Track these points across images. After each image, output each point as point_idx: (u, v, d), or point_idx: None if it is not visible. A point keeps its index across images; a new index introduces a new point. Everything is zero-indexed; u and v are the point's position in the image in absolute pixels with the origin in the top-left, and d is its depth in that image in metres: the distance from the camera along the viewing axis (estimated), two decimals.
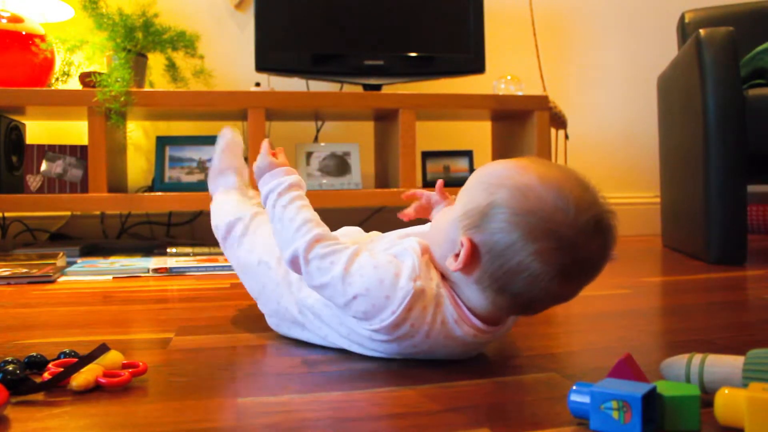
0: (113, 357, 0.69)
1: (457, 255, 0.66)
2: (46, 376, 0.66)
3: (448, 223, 0.70)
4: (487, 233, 0.64)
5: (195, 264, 1.59)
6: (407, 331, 0.69)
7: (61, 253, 1.71)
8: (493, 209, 0.64)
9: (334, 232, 1.02)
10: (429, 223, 0.82)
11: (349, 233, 0.96)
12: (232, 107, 1.90)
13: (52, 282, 1.44)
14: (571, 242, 0.62)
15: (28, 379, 0.64)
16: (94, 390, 0.65)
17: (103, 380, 0.65)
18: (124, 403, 0.62)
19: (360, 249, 0.72)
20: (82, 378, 0.64)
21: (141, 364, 0.70)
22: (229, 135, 1.09)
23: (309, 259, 0.71)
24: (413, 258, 0.70)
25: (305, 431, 0.55)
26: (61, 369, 0.66)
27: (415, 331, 0.69)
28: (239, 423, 0.57)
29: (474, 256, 0.65)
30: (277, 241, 0.77)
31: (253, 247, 0.92)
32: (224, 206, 1.02)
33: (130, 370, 0.68)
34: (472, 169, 2.22)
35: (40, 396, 0.64)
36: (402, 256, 0.71)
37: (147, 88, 1.99)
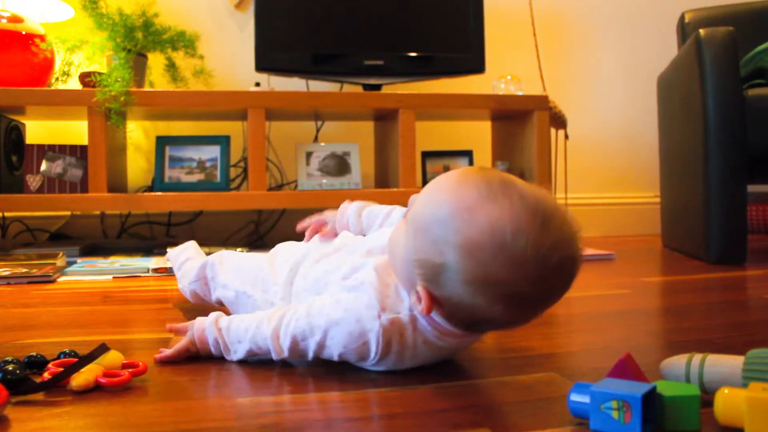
0: (113, 357, 0.69)
1: (419, 297, 0.64)
2: (46, 376, 0.66)
3: (402, 259, 0.67)
4: (445, 291, 0.62)
5: None
6: (396, 358, 0.68)
7: (61, 253, 1.71)
8: (445, 271, 0.61)
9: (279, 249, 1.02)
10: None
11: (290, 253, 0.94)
12: (232, 107, 1.90)
13: (52, 282, 1.44)
14: (534, 296, 0.60)
15: (28, 379, 0.64)
16: (94, 390, 0.65)
17: (103, 380, 0.65)
18: (124, 403, 0.62)
19: (312, 307, 0.70)
20: (81, 378, 0.64)
21: (141, 364, 0.70)
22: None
23: (285, 351, 0.71)
24: (369, 295, 0.68)
25: (304, 431, 0.55)
26: (61, 369, 0.66)
27: (403, 355, 0.69)
28: (239, 423, 0.57)
29: (435, 304, 0.63)
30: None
31: (226, 282, 0.95)
32: (185, 266, 1.08)
33: (130, 370, 0.68)
34: None
35: (40, 396, 0.64)
36: (358, 291, 0.69)
37: (147, 88, 1.99)
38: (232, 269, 0.95)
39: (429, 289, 0.63)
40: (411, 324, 0.67)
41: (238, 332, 0.74)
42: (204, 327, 0.77)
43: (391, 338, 0.66)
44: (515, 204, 0.59)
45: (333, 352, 0.69)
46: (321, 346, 0.69)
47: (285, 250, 0.94)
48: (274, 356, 0.72)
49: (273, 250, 0.98)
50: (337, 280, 0.75)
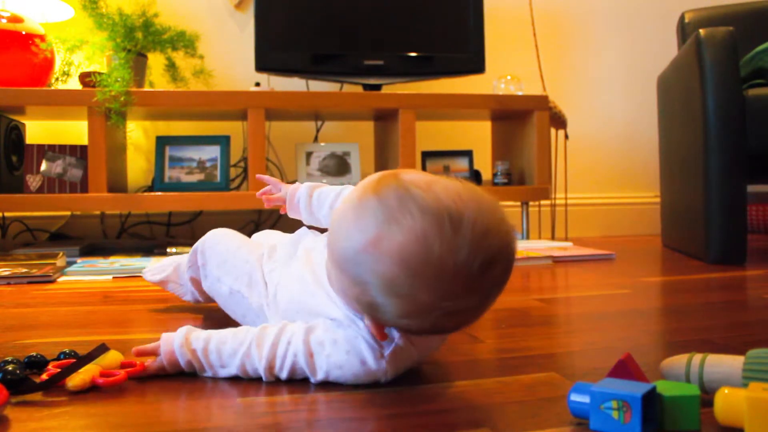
0: (112, 357, 0.69)
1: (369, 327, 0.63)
2: (44, 377, 0.66)
3: (339, 293, 0.66)
4: (389, 321, 0.61)
5: None
6: (400, 372, 0.67)
7: (61, 253, 1.71)
8: (378, 308, 0.59)
9: (262, 235, 1.04)
10: None
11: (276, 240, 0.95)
12: (232, 107, 1.90)
13: (52, 282, 1.44)
14: (474, 302, 0.58)
15: (27, 379, 0.64)
16: (93, 390, 0.65)
17: (99, 380, 0.65)
18: (123, 403, 0.62)
19: (309, 343, 0.66)
20: (78, 378, 0.64)
21: (138, 363, 0.69)
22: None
23: (282, 378, 0.67)
24: (363, 331, 0.65)
25: (304, 431, 0.55)
26: (60, 369, 0.66)
27: (405, 367, 0.68)
28: (239, 423, 0.57)
29: (386, 327, 0.63)
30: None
31: (219, 275, 0.89)
32: (175, 264, 1.07)
33: (126, 370, 0.68)
34: (471, 169, 2.22)
35: (39, 396, 0.63)
36: (349, 328, 0.66)
37: (147, 88, 1.99)
38: (220, 262, 0.89)
39: (374, 320, 0.61)
40: (407, 341, 0.65)
41: (222, 357, 0.68)
42: (172, 349, 0.68)
43: (396, 365, 0.66)
44: (416, 219, 0.55)
45: (338, 376, 0.66)
46: (325, 375, 0.65)
47: (266, 242, 0.93)
48: (265, 380, 0.67)
49: (256, 239, 1.00)
50: (318, 308, 0.71)
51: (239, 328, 0.70)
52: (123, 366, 0.70)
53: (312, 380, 0.66)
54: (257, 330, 0.68)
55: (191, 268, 0.97)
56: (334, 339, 0.65)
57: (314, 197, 0.88)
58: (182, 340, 0.69)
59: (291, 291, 0.77)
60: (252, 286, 0.85)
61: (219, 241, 0.93)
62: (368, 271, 0.57)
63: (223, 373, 0.68)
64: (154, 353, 0.70)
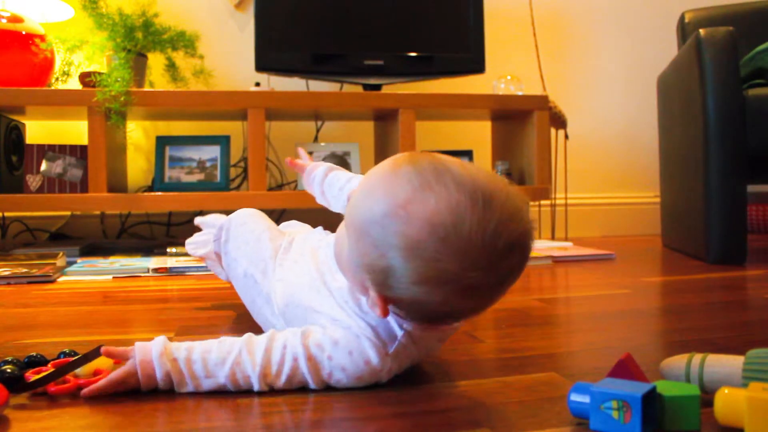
0: (104, 360, 0.68)
1: (374, 302, 0.62)
2: (32, 376, 0.65)
3: (348, 263, 0.65)
4: (397, 293, 0.59)
5: (195, 264, 1.59)
6: (400, 370, 0.68)
7: (61, 253, 1.71)
8: (393, 274, 0.58)
9: (283, 226, 1.05)
10: None
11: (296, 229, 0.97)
12: (232, 107, 1.90)
13: (52, 282, 1.44)
14: (488, 283, 0.58)
15: (22, 379, 0.64)
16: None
17: (52, 387, 0.63)
18: (123, 403, 0.62)
19: (308, 346, 0.64)
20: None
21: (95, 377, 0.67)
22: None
23: (278, 386, 0.65)
24: (366, 330, 0.65)
25: (305, 431, 0.55)
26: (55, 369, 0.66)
27: (408, 366, 0.68)
28: (239, 423, 0.57)
29: (391, 305, 0.62)
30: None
31: (237, 256, 0.89)
32: (208, 219, 1.07)
33: (84, 380, 0.65)
34: None
35: (39, 396, 0.63)
36: (350, 327, 0.65)
37: (147, 88, 1.99)
38: (242, 243, 0.89)
39: (381, 292, 0.60)
40: (409, 339, 0.65)
41: (207, 366, 0.63)
42: (150, 359, 0.63)
43: (399, 364, 0.66)
44: (451, 191, 0.56)
45: (338, 380, 0.65)
46: (326, 380, 0.65)
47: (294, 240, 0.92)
48: (257, 389, 0.64)
49: (285, 228, 1.02)
50: (317, 306, 0.71)
51: (223, 338, 0.66)
52: (96, 374, 0.67)
53: (312, 385, 0.64)
54: (244, 338, 0.66)
55: (216, 242, 0.95)
56: (334, 340, 0.64)
57: (328, 177, 0.92)
58: (161, 349, 0.63)
59: (292, 287, 0.77)
60: (266, 273, 0.84)
61: (245, 221, 0.92)
62: (394, 232, 0.57)
63: (208, 384, 0.63)
64: (123, 358, 0.65)
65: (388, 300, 0.61)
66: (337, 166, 0.94)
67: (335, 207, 0.92)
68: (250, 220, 0.92)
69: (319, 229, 0.92)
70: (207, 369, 0.64)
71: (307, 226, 1.04)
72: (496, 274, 0.58)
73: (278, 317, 0.80)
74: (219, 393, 0.64)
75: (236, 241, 0.90)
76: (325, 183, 0.92)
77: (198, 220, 1.10)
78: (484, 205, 0.56)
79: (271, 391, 0.64)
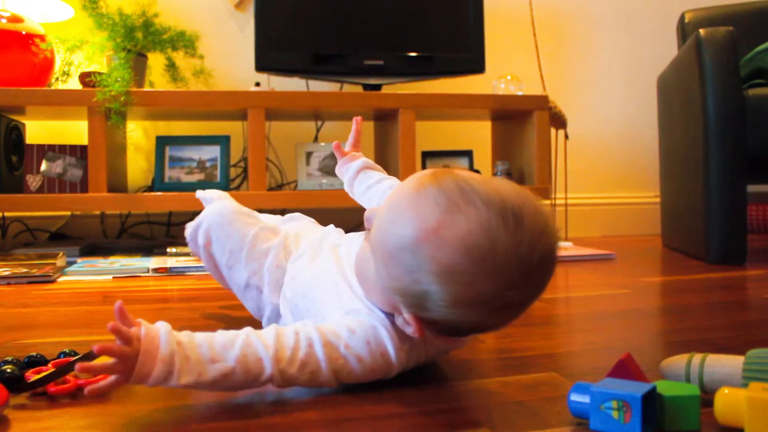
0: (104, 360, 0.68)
1: (407, 322, 0.61)
2: (32, 376, 0.65)
3: (376, 285, 0.64)
4: (432, 314, 0.59)
5: (195, 264, 1.59)
6: (410, 367, 0.68)
7: (61, 253, 1.71)
8: (429, 299, 0.57)
9: (285, 218, 1.03)
10: None
11: (297, 226, 0.96)
12: (232, 107, 1.90)
13: (52, 282, 1.44)
14: (522, 298, 0.58)
15: (22, 379, 0.64)
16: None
17: (51, 388, 0.63)
18: (124, 403, 0.62)
19: (324, 334, 0.62)
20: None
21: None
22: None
23: (288, 378, 0.61)
24: (385, 323, 0.64)
25: (305, 431, 0.55)
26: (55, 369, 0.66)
27: (415, 362, 0.68)
28: (240, 422, 0.57)
29: (425, 324, 0.61)
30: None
31: (232, 262, 0.84)
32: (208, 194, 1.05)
33: (86, 380, 0.65)
34: (471, 169, 2.22)
35: (39, 396, 0.64)
36: (372, 329, 0.64)
37: (147, 88, 1.99)
38: (234, 249, 0.84)
39: (415, 313, 0.60)
40: (423, 342, 0.66)
41: (214, 348, 0.58)
42: (155, 335, 0.56)
43: (408, 362, 0.66)
44: (480, 210, 0.55)
45: (348, 375, 0.64)
46: (335, 377, 0.63)
47: (297, 233, 0.91)
48: (260, 381, 0.60)
49: (289, 220, 1.00)
50: (331, 302, 0.71)
51: (223, 330, 0.62)
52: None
53: (324, 374, 0.61)
54: (248, 328, 0.62)
55: (191, 242, 0.89)
56: (350, 328, 0.63)
57: (360, 175, 0.91)
58: (168, 328, 0.58)
59: (305, 285, 0.77)
60: (271, 284, 0.82)
61: (231, 220, 0.86)
62: (427, 258, 0.56)
63: (213, 371, 0.57)
64: (128, 339, 0.55)
65: (422, 320, 0.60)
66: (374, 165, 0.93)
67: (359, 201, 0.92)
68: (236, 220, 0.86)
69: (332, 227, 0.91)
70: (213, 351, 0.58)
71: (311, 220, 1.03)
72: (531, 288, 0.58)
73: (289, 318, 0.79)
74: (219, 393, 0.64)
75: (226, 245, 0.84)
76: (357, 180, 0.91)
77: (199, 194, 1.07)
78: (516, 222, 0.55)
79: (272, 391, 0.64)
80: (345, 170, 0.94)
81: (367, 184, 0.90)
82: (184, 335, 0.59)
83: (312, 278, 0.77)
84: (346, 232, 0.89)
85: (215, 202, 0.91)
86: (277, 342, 0.60)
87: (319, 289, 0.74)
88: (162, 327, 0.58)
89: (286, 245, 0.86)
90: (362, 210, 0.78)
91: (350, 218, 2.09)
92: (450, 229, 0.56)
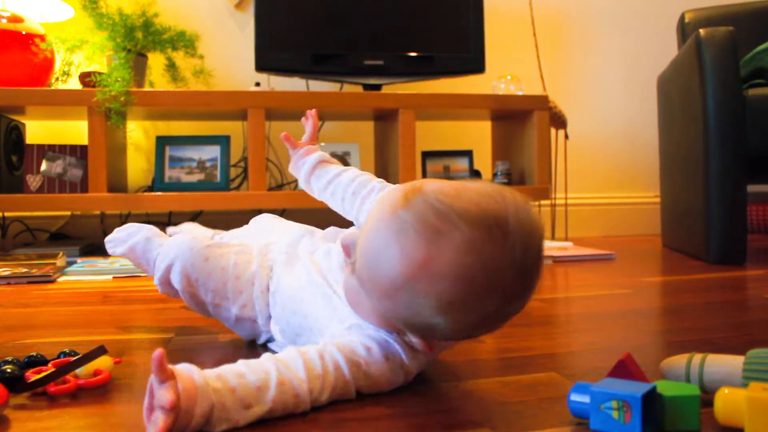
0: (105, 360, 0.68)
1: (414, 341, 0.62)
2: (33, 376, 0.65)
3: (375, 314, 0.63)
4: (439, 335, 0.59)
5: None
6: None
7: (61, 253, 1.71)
8: (433, 327, 0.57)
9: (251, 224, 1.00)
10: None
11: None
12: (232, 107, 1.90)
13: (52, 282, 1.44)
14: (522, 301, 0.57)
15: (22, 379, 0.64)
16: (94, 390, 0.65)
17: (52, 387, 0.63)
18: (124, 403, 0.62)
19: (343, 353, 0.61)
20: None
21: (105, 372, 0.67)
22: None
23: (322, 400, 0.60)
24: (398, 347, 0.63)
25: (305, 431, 0.55)
26: (53, 369, 0.66)
27: (427, 363, 0.69)
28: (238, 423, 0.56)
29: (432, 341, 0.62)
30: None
31: (218, 300, 0.79)
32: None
33: (86, 380, 0.66)
34: (471, 169, 2.22)
35: (39, 396, 0.63)
36: (387, 345, 0.63)
37: (147, 88, 1.99)
38: (218, 287, 0.78)
39: (422, 337, 0.61)
40: (426, 346, 0.65)
41: (249, 392, 0.55)
42: (193, 386, 0.52)
43: (421, 365, 0.66)
44: (464, 231, 0.53)
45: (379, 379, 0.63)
46: (362, 389, 0.63)
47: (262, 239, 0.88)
48: (303, 408, 0.58)
49: (256, 223, 0.97)
50: (328, 317, 0.69)
51: (244, 360, 0.58)
52: (96, 374, 0.67)
53: (351, 393, 0.61)
54: (269, 357, 0.59)
55: (163, 285, 0.82)
56: (366, 346, 0.62)
57: (317, 171, 0.85)
58: (203, 378, 0.53)
59: (291, 298, 0.75)
60: (262, 312, 0.79)
61: (205, 256, 0.79)
62: (424, 294, 0.54)
63: (250, 416, 0.54)
64: (165, 377, 0.50)
65: (430, 341, 0.61)
66: (330, 158, 0.87)
67: (320, 198, 0.86)
68: (210, 253, 0.79)
69: (301, 228, 0.88)
70: (250, 395, 0.54)
71: (275, 218, 1.00)
72: (529, 287, 0.57)
73: (279, 337, 0.78)
74: None
75: (207, 285, 0.78)
76: (314, 175, 0.85)
77: (171, 230, 1.06)
78: (501, 232, 0.53)
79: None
80: (300, 165, 0.86)
81: (326, 178, 0.83)
82: (216, 378, 0.54)
83: (298, 290, 0.75)
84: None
85: (176, 237, 0.83)
86: (308, 373, 0.58)
87: (309, 303, 0.72)
88: (196, 377, 0.53)
89: (263, 264, 0.81)
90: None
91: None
92: (439, 259, 0.53)
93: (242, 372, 0.56)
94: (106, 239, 0.97)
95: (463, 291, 0.54)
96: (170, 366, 0.52)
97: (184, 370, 0.53)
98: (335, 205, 0.83)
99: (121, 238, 0.95)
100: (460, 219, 0.53)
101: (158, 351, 0.50)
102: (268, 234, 0.94)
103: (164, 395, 0.49)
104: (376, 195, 0.77)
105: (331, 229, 0.87)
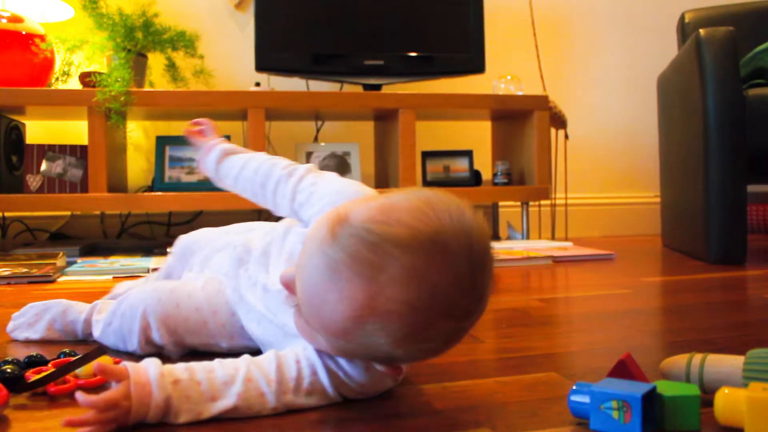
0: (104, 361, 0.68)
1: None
2: (33, 376, 0.65)
3: (335, 349, 0.58)
4: (399, 362, 0.58)
5: None
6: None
7: (61, 253, 1.71)
8: (395, 357, 0.55)
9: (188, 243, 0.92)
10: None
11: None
12: (232, 107, 1.90)
13: (52, 282, 1.44)
14: (480, 309, 0.54)
15: (22, 379, 0.64)
16: (96, 389, 0.65)
17: (52, 388, 0.63)
18: None
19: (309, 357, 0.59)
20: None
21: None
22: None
23: (297, 403, 0.59)
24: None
25: (306, 431, 0.55)
26: (53, 369, 0.66)
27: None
28: (238, 423, 0.57)
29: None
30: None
31: (197, 343, 0.75)
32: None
33: (86, 380, 0.66)
34: (472, 169, 2.22)
35: (39, 396, 0.63)
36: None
37: (147, 88, 1.99)
38: (195, 332, 0.74)
39: (385, 364, 0.58)
40: (393, 374, 0.63)
41: (215, 385, 0.56)
42: (146, 381, 0.54)
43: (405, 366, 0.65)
44: (400, 259, 0.49)
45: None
46: (345, 394, 0.61)
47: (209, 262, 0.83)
48: (263, 414, 0.57)
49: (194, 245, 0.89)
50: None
51: (220, 359, 0.59)
52: (96, 374, 0.66)
53: (331, 396, 0.60)
54: (246, 357, 0.60)
55: (145, 346, 0.75)
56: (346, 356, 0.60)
57: (222, 166, 0.81)
58: (158, 371, 0.55)
59: (258, 338, 0.72)
60: (253, 334, 0.73)
61: (176, 302, 0.75)
62: (376, 331, 0.51)
63: (214, 409, 0.55)
64: (117, 377, 0.54)
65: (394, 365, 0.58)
66: (235, 148, 0.81)
67: (235, 190, 0.82)
68: (177, 295, 0.75)
69: (231, 258, 0.77)
70: (214, 388, 0.56)
71: (211, 230, 0.94)
72: (482, 295, 0.54)
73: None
74: None
75: (187, 332, 0.74)
76: (220, 172, 0.81)
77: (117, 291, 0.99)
78: (440, 250, 0.50)
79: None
80: (205, 163, 0.82)
81: (232, 174, 0.80)
82: (184, 370, 0.56)
83: (260, 336, 0.71)
84: None
85: (134, 291, 0.78)
86: (279, 375, 0.58)
87: (275, 343, 0.68)
88: (152, 370, 0.55)
89: (221, 290, 0.76)
90: None
91: None
92: (383, 295, 0.50)
93: (212, 368, 0.57)
94: (7, 329, 0.87)
95: (415, 322, 0.51)
96: (126, 364, 0.55)
97: (141, 365, 0.55)
98: (253, 200, 0.79)
99: (26, 322, 0.87)
100: (394, 247, 0.50)
101: (96, 364, 0.53)
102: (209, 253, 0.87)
103: (104, 394, 0.52)
104: (283, 185, 0.72)
105: (280, 227, 0.76)
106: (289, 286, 0.58)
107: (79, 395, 0.51)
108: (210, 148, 0.82)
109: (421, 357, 0.58)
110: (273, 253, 0.73)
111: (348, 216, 0.52)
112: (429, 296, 0.50)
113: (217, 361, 0.59)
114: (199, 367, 0.57)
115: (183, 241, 0.93)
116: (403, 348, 0.53)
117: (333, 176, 0.73)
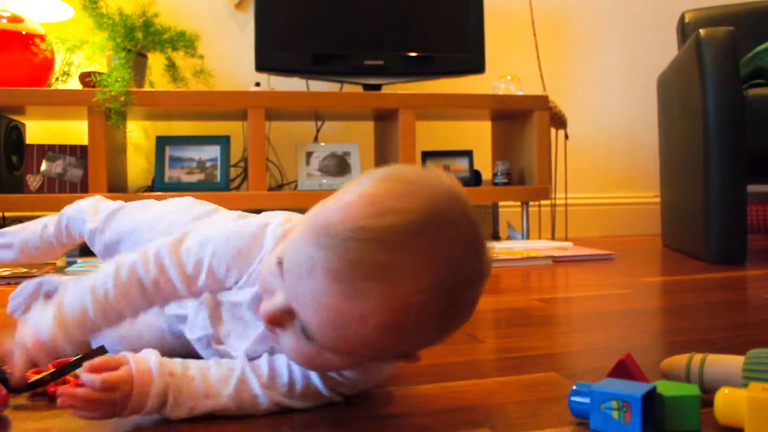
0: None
1: None
2: (29, 376, 0.65)
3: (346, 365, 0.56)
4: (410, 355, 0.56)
5: None
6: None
7: None
8: (407, 354, 0.55)
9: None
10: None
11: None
12: (232, 107, 1.90)
13: None
14: (473, 300, 0.53)
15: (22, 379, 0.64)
16: None
17: (52, 388, 0.63)
18: None
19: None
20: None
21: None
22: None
23: (291, 405, 0.59)
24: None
25: (305, 430, 0.55)
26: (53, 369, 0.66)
27: None
28: (239, 423, 0.57)
29: None
30: None
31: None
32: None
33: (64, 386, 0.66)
34: (472, 169, 2.22)
35: (39, 396, 0.63)
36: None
37: (147, 88, 1.99)
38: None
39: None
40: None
41: (209, 383, 0.56)
42: (147, 367, 0.53)
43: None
44: (408, 247, 0.47)
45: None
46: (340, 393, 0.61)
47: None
48: (264, 407, 0.57)
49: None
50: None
51: (216, 359, 0.60)
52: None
53: (327, 398, 0.59)
54: (242, 358, 0.59)
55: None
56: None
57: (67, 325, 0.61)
58: (159, 360, 0.55)
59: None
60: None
61: (139, 333, 0.73)
62: (410, 328, 0.50)
63: (207, 406, 0.55)
64: (116, 365, 0.53)
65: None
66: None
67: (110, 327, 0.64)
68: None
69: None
70: (208, 387, 0.56)
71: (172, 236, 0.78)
72: (486, 251, 0.52)
73: None
74: None
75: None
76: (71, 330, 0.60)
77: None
78: (443, 225, 0.49)
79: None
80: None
81: (91, 318, 0.63)
82: (178, 365, 0.56)
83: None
84: None
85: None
86: (270, 380, 0.58)
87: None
88: (152, 358, 0.55)
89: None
90: None
91: None
92: (404, 290, 0.48)
93: (208, 366, 0.58)
94: (8, 309, 0.92)
95: (446, 303, 0.50)
96: (125, 353, 0.54)
97: (141, 354, 0.55)
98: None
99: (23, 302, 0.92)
100: (396, 237, 0.47)
101: (89, 363, 0.52)
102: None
103: (107, 374, 0.51)
104: (160, 269, 0.62)
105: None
106: (277, 320, 0.52)
107: (84, 374, 0.50)
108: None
109: (451, 334, 0.54)
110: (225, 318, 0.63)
111: (328, 223, 0.49)
112: (449, 271, 0.48)
113: (213, 360, 0.59)
114: (194, 363, 0.57)
115: (111, 230, 0.88)
116: (437, 332, 0.52)
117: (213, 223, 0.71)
